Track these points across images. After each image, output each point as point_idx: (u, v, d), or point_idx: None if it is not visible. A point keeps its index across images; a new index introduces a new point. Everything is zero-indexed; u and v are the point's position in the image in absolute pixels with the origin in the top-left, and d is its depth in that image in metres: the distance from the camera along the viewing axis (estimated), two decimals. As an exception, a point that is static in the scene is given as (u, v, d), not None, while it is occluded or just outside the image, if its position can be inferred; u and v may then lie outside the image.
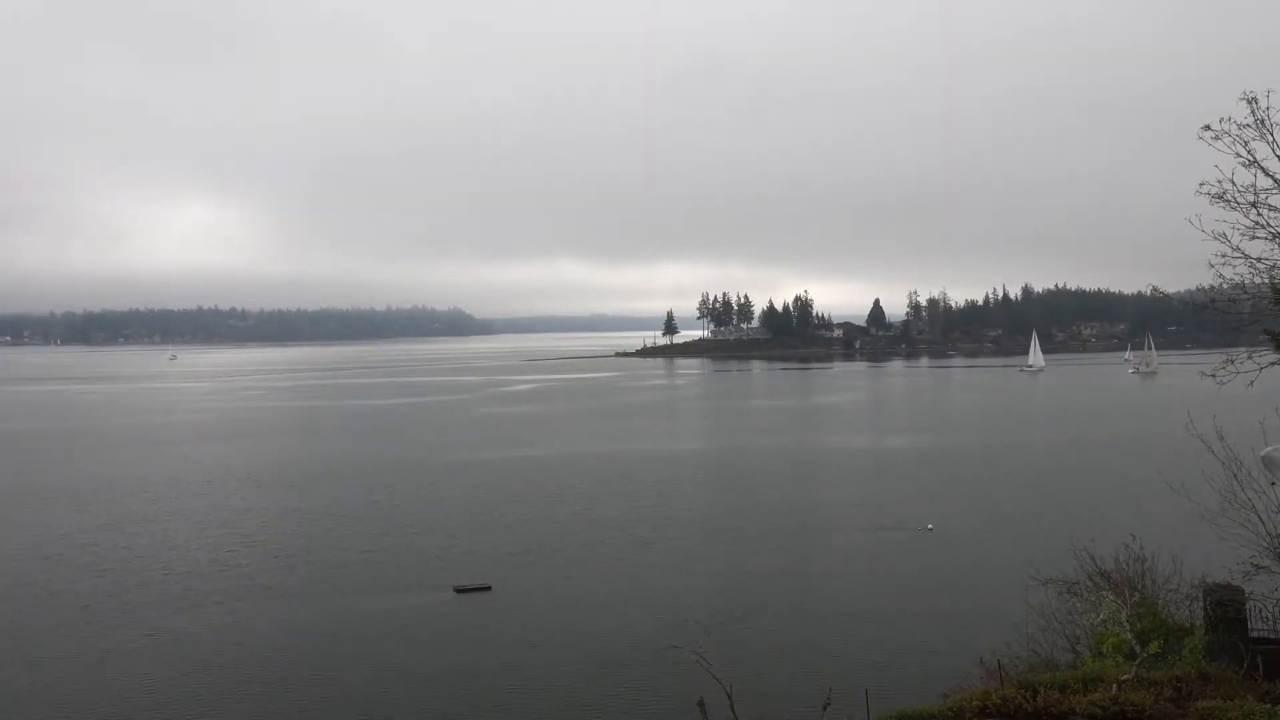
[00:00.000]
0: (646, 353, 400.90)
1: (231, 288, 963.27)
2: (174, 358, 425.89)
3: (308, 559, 61.99)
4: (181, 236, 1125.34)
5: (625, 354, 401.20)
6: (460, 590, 54.04)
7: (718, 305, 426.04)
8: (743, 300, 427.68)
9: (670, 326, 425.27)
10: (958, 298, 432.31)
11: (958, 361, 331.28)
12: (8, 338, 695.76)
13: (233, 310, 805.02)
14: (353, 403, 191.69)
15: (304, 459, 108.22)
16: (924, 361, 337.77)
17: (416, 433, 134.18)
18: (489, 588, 54.54)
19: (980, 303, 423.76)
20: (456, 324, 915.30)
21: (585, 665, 42.38)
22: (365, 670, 41.90)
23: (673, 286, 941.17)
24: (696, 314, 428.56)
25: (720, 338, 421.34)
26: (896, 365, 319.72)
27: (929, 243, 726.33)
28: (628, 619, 48.72)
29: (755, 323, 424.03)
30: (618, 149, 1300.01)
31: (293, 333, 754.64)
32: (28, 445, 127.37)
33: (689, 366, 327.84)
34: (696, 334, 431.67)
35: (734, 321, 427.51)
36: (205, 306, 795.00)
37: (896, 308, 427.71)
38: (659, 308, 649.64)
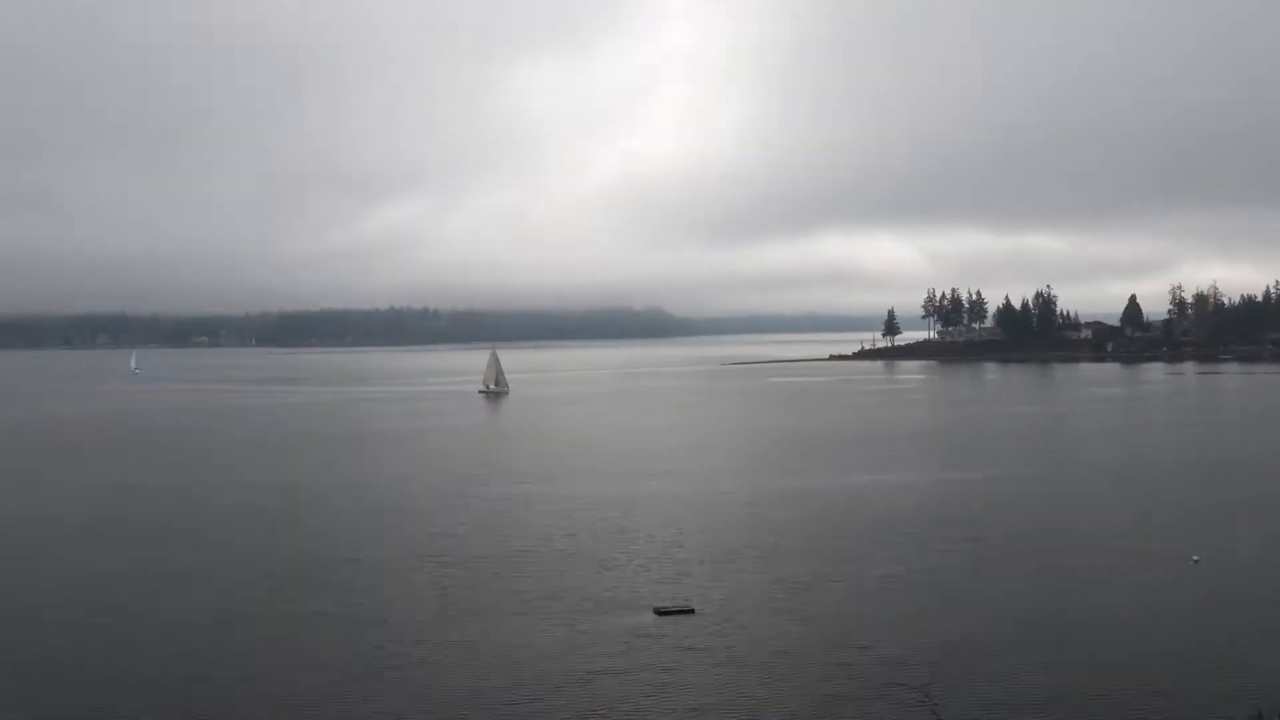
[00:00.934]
0: (863, 355, 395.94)
1: (426, 287, 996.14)
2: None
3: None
4: (376, 232, 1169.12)
5: (840, 357, 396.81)
6: (661, 613, 54.56)
7: (945, 302, 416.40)
8: (974, 297, 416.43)
9: (891, 326, 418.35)
10: (1232, 293, 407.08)
11: (1231, 368, 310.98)
12: (205, 339, 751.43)
13: (425, 310, 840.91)
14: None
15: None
16: (1189, 367, 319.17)
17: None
18: (692, 610, 54.89)
19: (1259, 299, 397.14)
20: (655, 324, 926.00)
21: (793, 702, 42.09)
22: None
23: (901, 269, 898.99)
24: (921, 312, 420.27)
25: (948, 339, 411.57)
26: (1157, 371, 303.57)
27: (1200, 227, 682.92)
28: (840, 649, 48.12)
29: (989, 322, 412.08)
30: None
31: (485, 333, 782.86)
32: None
33: (914, 371, 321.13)
34: (921, 335, 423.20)
35: (964, 321, 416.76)
36: (398, 306, 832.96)
37: (1157, 304, 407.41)
38: (879, 303, 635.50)
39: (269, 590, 60.46)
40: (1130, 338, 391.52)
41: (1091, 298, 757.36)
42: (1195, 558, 64.72)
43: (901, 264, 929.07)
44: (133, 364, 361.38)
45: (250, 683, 44.78)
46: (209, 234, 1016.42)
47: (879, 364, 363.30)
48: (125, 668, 47.14)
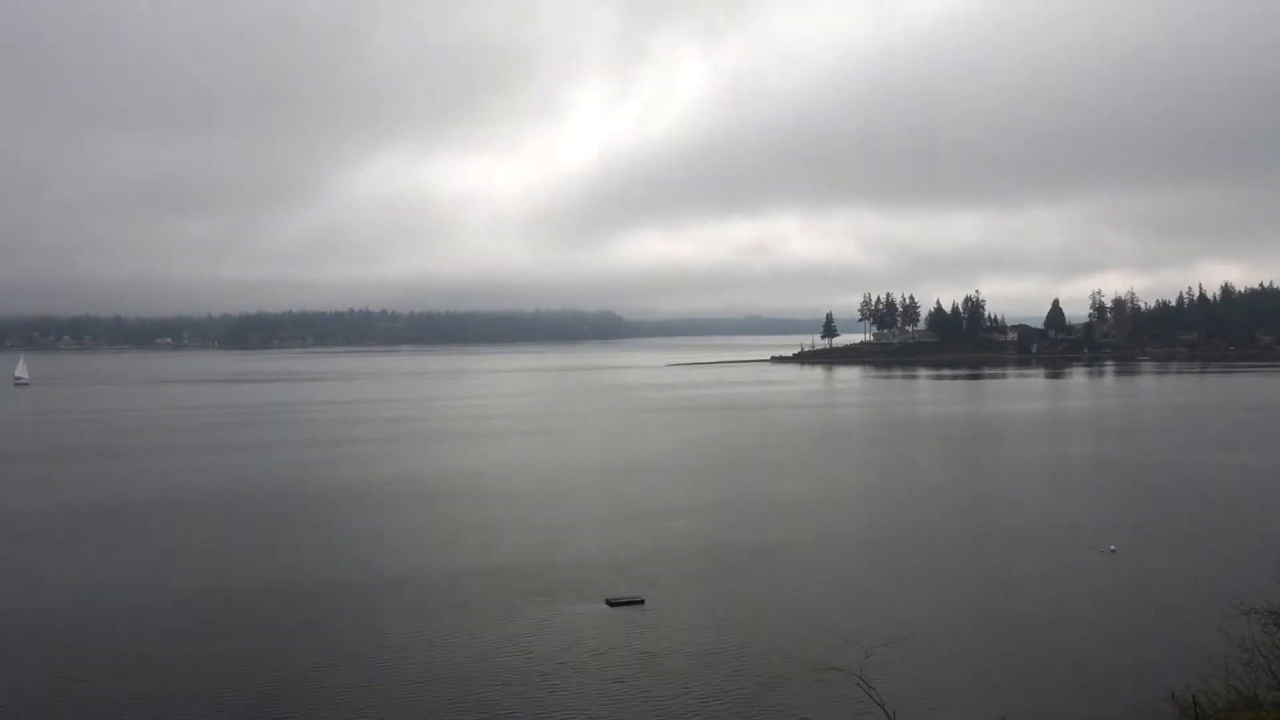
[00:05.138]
0: (803, 357, 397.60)
1: (384, 290, 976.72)
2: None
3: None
4: (337, 234, 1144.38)
5: (782, 359, 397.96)
6: (613, 604, 54.75)
7: (880, 306, 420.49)
8: (908, 301, 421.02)
9: (829, 329, 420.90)
10: (1148, 298, 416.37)
11: (1149, 367, 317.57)
12: (169, 340, 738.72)
13: (383, 313, 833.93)
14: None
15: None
16: (1109, 368, 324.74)
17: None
18: (642, 601, 55.09)
19: (1173, 304, 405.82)
20: (605, 327, 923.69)
21: (738, 686, 42.43)
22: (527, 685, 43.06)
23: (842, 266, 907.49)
24: (858, 315, 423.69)
25: (883, 341, 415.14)
26: (1089, 373, 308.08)
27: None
28: (783, 636, 48.60)
29: (921, 324, 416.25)
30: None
31: (440, 335, 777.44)
32: None
33: (848, 377, 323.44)
34: (858, 337, 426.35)
35: (898, 324, 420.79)
36: (356, 309, 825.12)
37: (1078, 307, 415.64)
38: (818, 306, 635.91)
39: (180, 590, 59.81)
40: (1053, 340, 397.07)
41: (1018, 298, 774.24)
42: (1111, 547, 65.96)
43: (841, 263, 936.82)
44: (18, 371, 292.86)
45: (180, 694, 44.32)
46: (172, 235, 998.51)
47: (818, 370, 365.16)
48: None
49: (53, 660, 46.16)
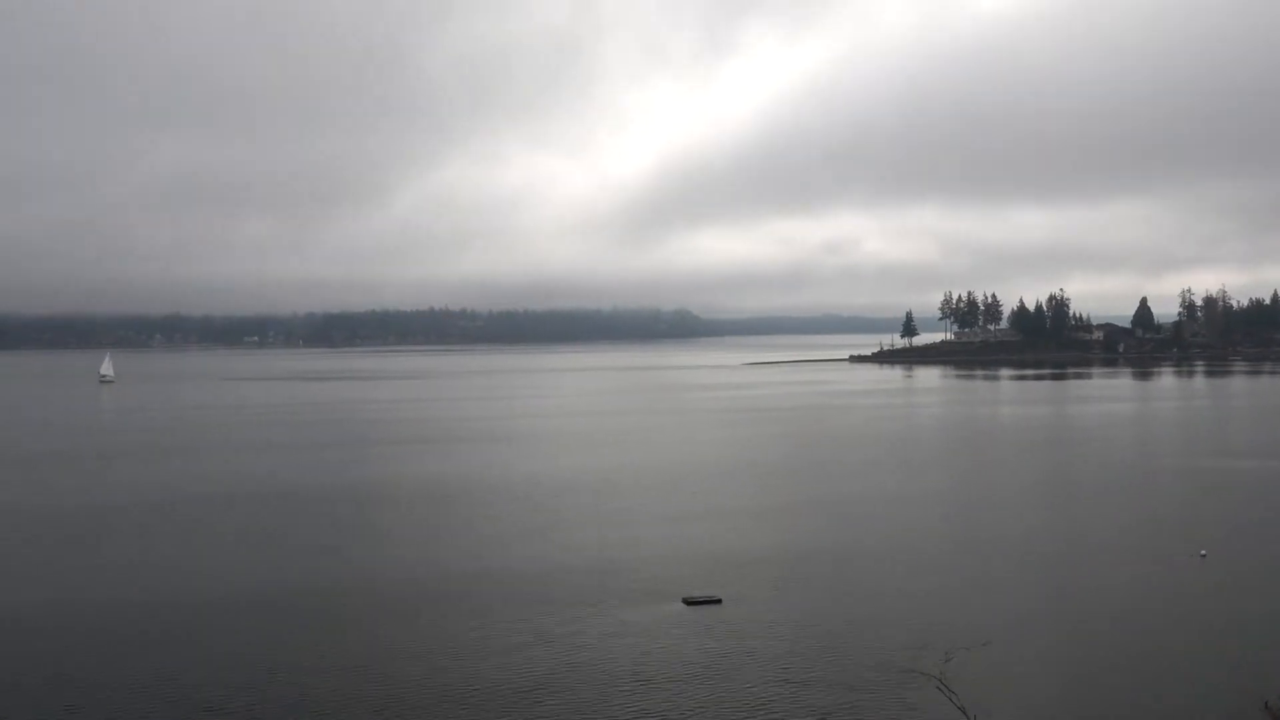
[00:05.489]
0: (882, 356, 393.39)
1: (463, 288, 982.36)
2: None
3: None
4: (418, 233, 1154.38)
5: (860, 358, 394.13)
6: (690, 603, 54.93)
7: (961, 304, 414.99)
8: (989, 299, 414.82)
9: (909, 328, 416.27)
10: (1240, 295, 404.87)
11: (1241, 368, 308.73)
12: (255, 338, 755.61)
13: (463, 311, 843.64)
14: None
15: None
16: (1199, 369, 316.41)
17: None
18: (719, 601, 55.19)
19: (1267, 302, 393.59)
20: (682, 325, 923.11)
21: (816, 686, 42.33)
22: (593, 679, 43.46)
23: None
24: (938, 314, 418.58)
25: (964, 340, 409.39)
26: (1178, 374, 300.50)
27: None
28: (861, 638, 48.34)
29: (1003, 323, 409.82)
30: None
31: (518, 334, 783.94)
32: None
33: (928, 377, 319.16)
34: (938, 336, 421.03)
35: (979, 322, 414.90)
36: (436, 307, 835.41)
37: (1167, 305, 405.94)
38: (897, 304, 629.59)
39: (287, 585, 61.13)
40: (1141, 339, 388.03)
41: (1104, 296, 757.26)
42: (1202, 552, 64.43)
43: (921, 261, 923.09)
44: (103, 368, 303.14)
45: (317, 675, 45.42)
46: (252, 235, 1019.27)
47: (897, 369, 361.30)
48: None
49: (87, 653, 47.77)
